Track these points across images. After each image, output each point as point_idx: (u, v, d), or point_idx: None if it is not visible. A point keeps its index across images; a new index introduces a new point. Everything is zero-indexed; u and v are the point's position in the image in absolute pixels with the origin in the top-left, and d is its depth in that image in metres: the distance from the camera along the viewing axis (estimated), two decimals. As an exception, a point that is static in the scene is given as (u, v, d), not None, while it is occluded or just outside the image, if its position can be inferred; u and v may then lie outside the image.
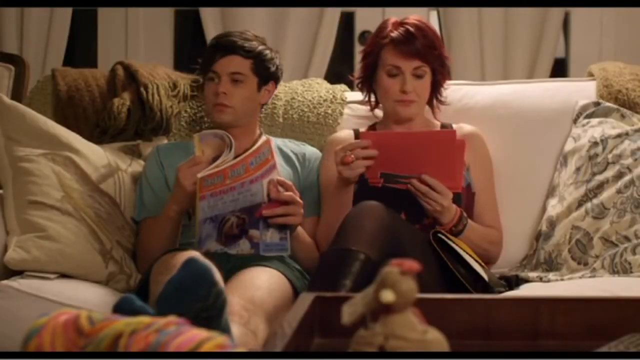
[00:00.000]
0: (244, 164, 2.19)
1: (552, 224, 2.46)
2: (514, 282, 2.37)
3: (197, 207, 2.19)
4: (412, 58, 2.41)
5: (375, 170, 2.26)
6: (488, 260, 2.44)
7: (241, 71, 2.45)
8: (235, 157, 2.23)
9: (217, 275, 1.49)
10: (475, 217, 2.45)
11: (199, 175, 2.18)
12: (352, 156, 2.23)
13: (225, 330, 1.48)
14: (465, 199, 2.39)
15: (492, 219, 2.49)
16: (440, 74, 2.48)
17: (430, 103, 2.55)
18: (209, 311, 1.45)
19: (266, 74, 2.49)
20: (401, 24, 2.45)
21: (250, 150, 2.20)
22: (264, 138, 2.24)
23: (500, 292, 2.23)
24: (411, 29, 2.42)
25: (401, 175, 2.25)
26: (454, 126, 2.54)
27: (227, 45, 2.46)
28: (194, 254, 1.89)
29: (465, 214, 2.33)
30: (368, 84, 2.55)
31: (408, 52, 2.41)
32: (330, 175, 2.45)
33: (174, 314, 1.37)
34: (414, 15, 2.50)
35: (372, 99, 2.60)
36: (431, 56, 2.43)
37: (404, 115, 2.48)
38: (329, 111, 2.73)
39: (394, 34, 2.43)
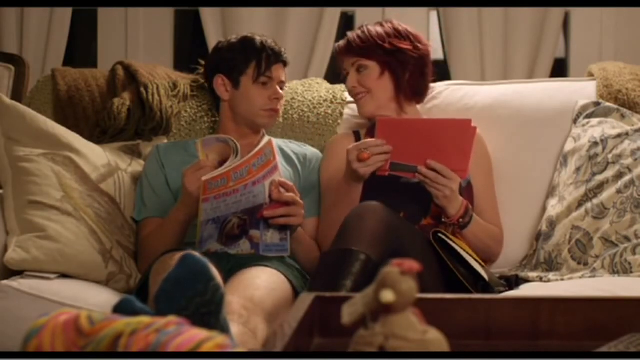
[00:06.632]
0: (247, 166, 2.18)
1: (552, 224, 2.46)
2: (514, 282, 2.37)
3: (200, 208, 2.19)
4: (347, 56, 2.54)
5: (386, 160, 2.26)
6: (488, 259, 2.44)
7: (285, 80, 2.57)
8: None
9: (214, 271, 1.49)
10: (476, 215, 2.44)
11: (203, 178, 2.18)
12: (369, 152, 2.24)
13: (224, 326, 1.48)
14: (466, 197, 2.39)
15: (492, 217, 2.50)
16: (397, 67, 2.49)
17: (397, 99, 2.53)
18: (207, 306, 1.45)
19: None
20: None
21: (253, 152, 2.19)
22: (266, 139, 2.24)
23: (500, 292, 2.23)
24: (351, 33, 2.55)
25: (410, 165, 2.25)
26: None
27: (278, 53, 2.54)
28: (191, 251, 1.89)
29: (471, 207, 2.34)
30: None
31: (344, 52, 2.55)
32: (331, 176, 2.45)
33: (173, 310, 1.37)
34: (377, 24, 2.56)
35: None
36: (366, 50, 2.49)
37: (361, 112, 2.55)
38: (329, 111, 2.74)
39: (338, 43, 2.59)
